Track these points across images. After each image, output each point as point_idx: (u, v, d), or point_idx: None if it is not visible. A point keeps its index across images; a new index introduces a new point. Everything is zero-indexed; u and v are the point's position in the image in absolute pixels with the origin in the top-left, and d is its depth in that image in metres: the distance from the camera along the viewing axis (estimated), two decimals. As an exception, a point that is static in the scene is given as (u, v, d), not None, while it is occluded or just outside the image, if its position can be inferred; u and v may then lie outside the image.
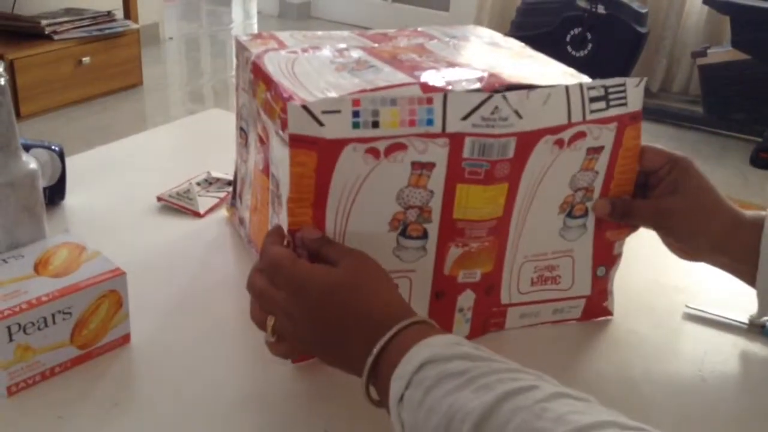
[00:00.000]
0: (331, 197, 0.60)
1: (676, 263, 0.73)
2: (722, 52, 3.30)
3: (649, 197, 0.69)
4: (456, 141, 0.61)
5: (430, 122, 0.60)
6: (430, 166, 0.61)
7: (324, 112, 0.58)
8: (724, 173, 3.05)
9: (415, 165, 0.61)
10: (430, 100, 0.60)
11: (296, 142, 0.58)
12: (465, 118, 0.60)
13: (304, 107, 0.57)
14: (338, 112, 0.58)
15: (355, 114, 0.58)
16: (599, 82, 0.65)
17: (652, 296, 0.81)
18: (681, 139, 3.39)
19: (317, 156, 0.58)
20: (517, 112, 0.61)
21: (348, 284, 0.55)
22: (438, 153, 0.61)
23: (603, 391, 0.65)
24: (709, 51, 3.33)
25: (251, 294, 0.59)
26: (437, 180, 0.62)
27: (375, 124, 0.59)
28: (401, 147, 0.60)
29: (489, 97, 0.60)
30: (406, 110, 0.59)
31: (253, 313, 0.60)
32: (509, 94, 0.61)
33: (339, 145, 0.59)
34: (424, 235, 0.64)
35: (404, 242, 0.64)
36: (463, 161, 0.61)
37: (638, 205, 0.69)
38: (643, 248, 0.78)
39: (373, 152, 0.60)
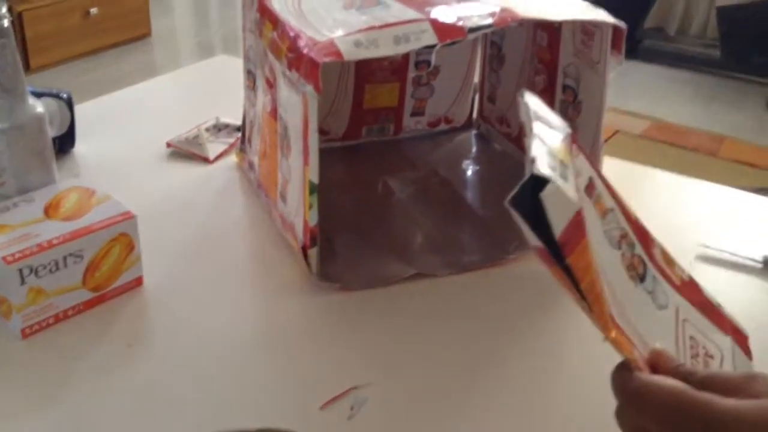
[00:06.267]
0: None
1: (691, 202, 0.72)
2: (741, -7, 3.21)
3: None
4: None
5: None
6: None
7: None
8: (741, 117, 2.99)
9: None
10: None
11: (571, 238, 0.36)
12: None
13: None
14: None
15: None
16: None
17: (665, 237, 0.80)
18: (698, 83, 3.33)
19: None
20: None
21: None
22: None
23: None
24: (728, -8, 3.25)
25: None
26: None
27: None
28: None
29: None
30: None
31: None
32: None
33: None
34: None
35: None
36: None
37: None
38: (658, 189, 0.77)
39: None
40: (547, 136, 0.39)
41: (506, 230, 0.77)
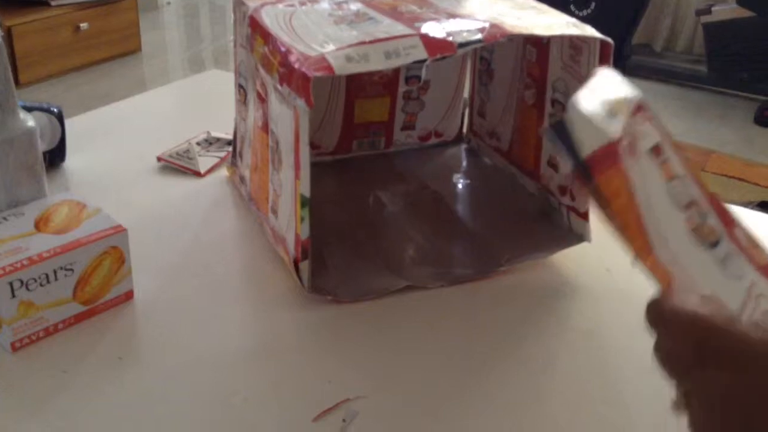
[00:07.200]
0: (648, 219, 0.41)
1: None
2: (727, 10, 3.25)
3: None
4: None
5: None
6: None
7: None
8: (728, 132, 3.02)
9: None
10: None
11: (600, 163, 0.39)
12: None
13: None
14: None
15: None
16: None
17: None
18: (685, 99, 3.36)
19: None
20: None
21: None
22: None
23: (617, 347, 0.65)
24: (713, 8, 3.28)
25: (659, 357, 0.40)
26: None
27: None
28: None
29: None
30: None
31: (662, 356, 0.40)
32: None
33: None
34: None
35: None
36: None
37: None
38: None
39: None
40: (605, 89, 0.43)
41: (496, 243, 0.77)
